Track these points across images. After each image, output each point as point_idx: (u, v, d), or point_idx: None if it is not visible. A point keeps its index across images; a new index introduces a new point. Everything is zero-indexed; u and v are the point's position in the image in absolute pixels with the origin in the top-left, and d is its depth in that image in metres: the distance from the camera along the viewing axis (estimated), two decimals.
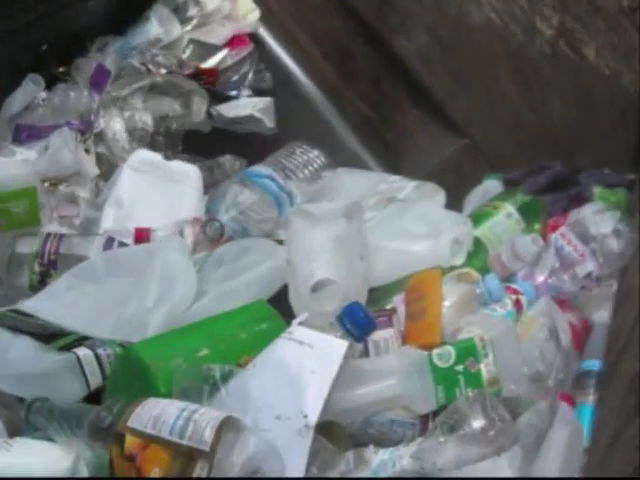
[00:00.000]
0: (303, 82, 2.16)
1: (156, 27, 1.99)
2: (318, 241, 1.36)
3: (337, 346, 1.12)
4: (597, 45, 1.88)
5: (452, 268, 1.39)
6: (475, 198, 1.74)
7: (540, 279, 1.37)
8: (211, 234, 1.50)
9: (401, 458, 1.01)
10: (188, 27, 2.05)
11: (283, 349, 1.13)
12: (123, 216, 1.60)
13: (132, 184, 1.65)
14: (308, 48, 2.17)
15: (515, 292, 1.32)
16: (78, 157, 1.68)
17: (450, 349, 1.11)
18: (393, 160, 2.10)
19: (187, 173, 1.69)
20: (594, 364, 1.25)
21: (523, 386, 1.12)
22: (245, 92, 2.09)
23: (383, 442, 1.08)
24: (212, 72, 2.04)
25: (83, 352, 1.18)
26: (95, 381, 1.18)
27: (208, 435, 0.96)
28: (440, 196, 1.62)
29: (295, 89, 2.12)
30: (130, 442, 0.99)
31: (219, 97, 2.04)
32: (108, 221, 1.59)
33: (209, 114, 1.99)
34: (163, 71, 1.94)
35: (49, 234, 1.47)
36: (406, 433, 1.11)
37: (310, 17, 2.18)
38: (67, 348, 1.20)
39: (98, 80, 1.87)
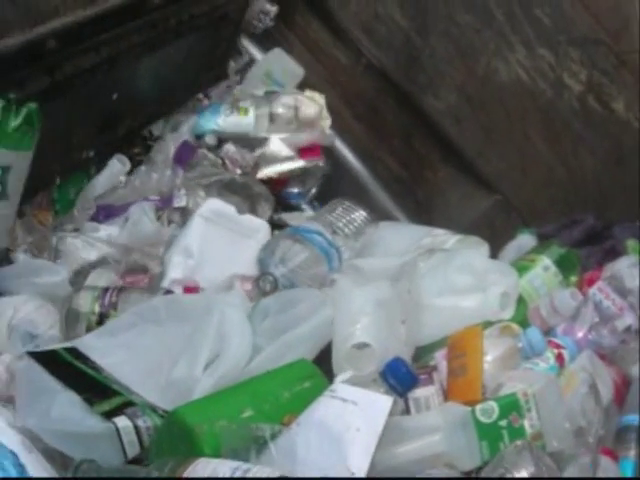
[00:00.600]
0: (335, 143, 2.18)
1: (251, 125, 1.99)
2: (360, 303, 1.38)
3: (382, 402, 1.13)
4: (626, 98, 1.89)
5: (493, 322, 1.39)
6: (509, 253, 1.74)
7: (580, 334, 1.37)
8: (264, 288, 1.50)
9: None
10: (274, 125, 2.03)
11: (326, 407, 1.14)
12: (191, 267, 1.58)
13: (203, 234, 1.63)
14: (339, 109, 2.18)
15: (557, 346, 1.32)
16: (157, 227, 1.71)
17: (493, 404, 1.12)
18: (425, 217, 2.12)
19: (257, 228, 1.69)
20: (634, 419, 1.24)
21: (566, 441, 1.12)
22: (306, 206, 2.09)
23: None
24: (281, 182, 2.04)
25: (123, 423, 1.17)
26: (132, 451, 1.17)
27: None
28: (484, 248, 1.61)
29: (327, 150, 2.13)
30: None
31: (282, 203, 2.04)
32: (177, 271, 1.57)
33: (271, 218, 1.95)
34: (239, 171, 1.94)
35: (108, 288, 1.46)
36: None
37: (341, 79, 2.21)
38: (110, 414, 1.18)
39: (183, 156, 1.90)
